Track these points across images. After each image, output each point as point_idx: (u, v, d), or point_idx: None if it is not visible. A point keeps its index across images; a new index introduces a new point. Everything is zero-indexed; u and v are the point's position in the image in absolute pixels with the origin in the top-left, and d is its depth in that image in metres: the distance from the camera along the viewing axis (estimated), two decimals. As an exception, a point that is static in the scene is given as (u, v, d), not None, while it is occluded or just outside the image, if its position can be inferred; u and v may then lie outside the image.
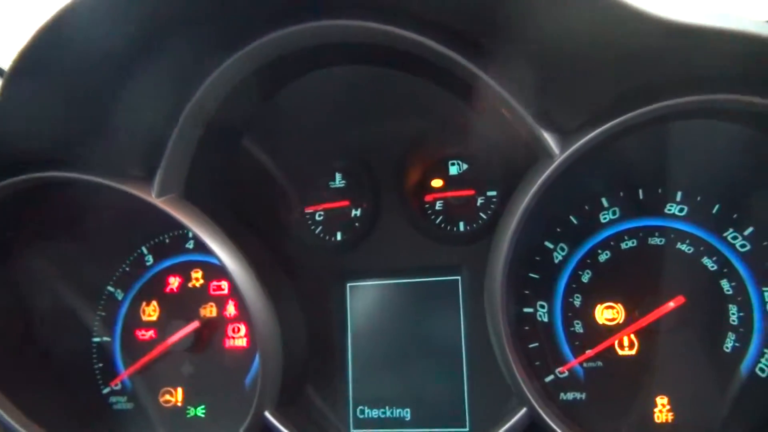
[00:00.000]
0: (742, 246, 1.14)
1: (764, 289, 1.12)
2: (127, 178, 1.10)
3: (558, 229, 1.22)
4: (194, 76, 1.03)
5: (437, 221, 1.31)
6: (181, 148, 1.09)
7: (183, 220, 1.10)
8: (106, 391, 1.40)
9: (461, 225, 1.29)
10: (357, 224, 1.35)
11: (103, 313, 1.43)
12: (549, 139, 0.96)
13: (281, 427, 1.14)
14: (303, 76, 1.18)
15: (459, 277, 1.31)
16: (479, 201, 1.29)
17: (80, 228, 1.36)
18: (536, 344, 1.20)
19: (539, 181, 0.96)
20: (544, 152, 0.97)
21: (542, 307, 1.22)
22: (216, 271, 1.38)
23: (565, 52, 0.90)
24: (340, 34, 1.02)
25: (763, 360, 1.10)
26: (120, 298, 1.44)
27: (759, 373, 1.10)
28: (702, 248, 1.15)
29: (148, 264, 1.43)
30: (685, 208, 1.17)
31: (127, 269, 1.45)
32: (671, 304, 1.10)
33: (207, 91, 1.04)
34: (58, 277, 1.38)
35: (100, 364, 1.41)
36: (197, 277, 1.40)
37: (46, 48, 0.89)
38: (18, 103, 0.96)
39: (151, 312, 1.41)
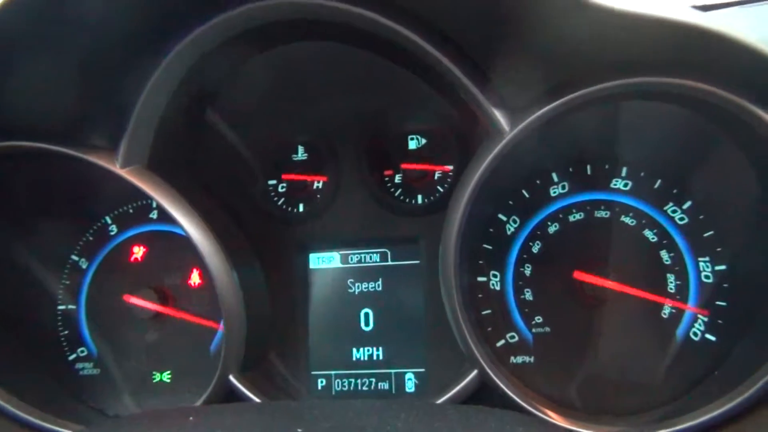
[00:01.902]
0: (681, 219, 1.21)
1: (700, 259, 1.20)
2: (92, 149, 1.12)
3: (510, 202, 1.29)
4: (159, 47, 1.05)
5: (396, 194, 1.36)
6: (145, 118, 1.11)
7: (147, 190, 1.12)
8: (72, 357, 1.42)
9: (419, 198, 1.34)
10: (319, 196, 1.39)
11: (68, 282, 1.45)
12: (499, 116, 1.01)
13: (245, 391, 1.19)
14: (266, 52, 1.20)
15: (417, 248, 1.36)
16: (437, 175, 1.34)
17: (43, 197, 1.37)
18: (489, 311, 1.27)
19: (490, 156, 1.01)
20: (494, 129, 1.02)
21: (495, 276, 1.28)
22: (180, 240, 1.39)
23: (515, 37, 0.95)
24: (302, 10, 1.05)
25: (696, 325, 1.18)
26: (84, 267, 1.46)
27: (693, 336, 1.18)
28: (644, 221, 1.23)
29: (112, 233, 1.46)
30: (630, 183, 1.24)
31: (91, 238, 1.46)
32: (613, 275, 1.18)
33: (172, 62, 1.07)
34: (22, 246, 1.39)
35: (66, 332, 1.43)
36: (161, 246, 1.43)
37: (11, 16, 0.90)
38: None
39: (115, 280, 1.43)
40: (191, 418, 0.83)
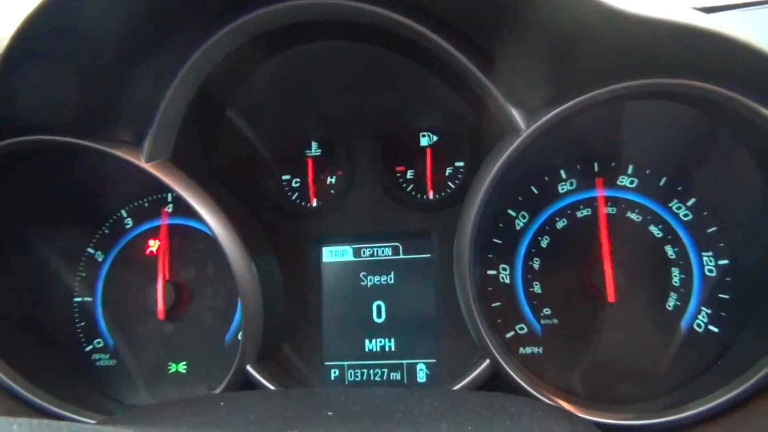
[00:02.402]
0: (685, 215, 1.25)
1: (703, 253, 1.24)
2: (117, 143, 1.14)
3: (520, 198, 1.32)
4: (185, 48, 1.08)
5: (408, 189, 1.39)
6: (170, 115, 1.14)
7: (171, 183, 1.15)
8: (88, 348, 1.45)
9: (431, 193, 1.38)
10: (332, 191, 1.42)
11: (84, 274, 1.48)
12: (516, 114, 1.04)
13: (261, 380, 1.22)
14: (284, 51, 1.23)
15: (429, 242, 1.39)
16: (448, 171, 1.38)
17: (61, 191, 1.40)
18: (498, 303, 1.31)
19: (506, 154, 1.05)
20: (511, 127, 1.05)
21: (504, 269, 1.32)
22: (195, 234, 1.43)
23: (528, 37, 0.98)
24: (319, 11, 1.08)
25: (700, 317, 1.22)
26: (100, 259, 1.48)
27: (696, 328, 1.22)
28: (649, 217, 1.27)
29: (127, 227, 1.48)
30: (636, 180, 1.28)
31: (107, 232, 1.49)
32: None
33: (197, 62, 1.09)
34: (39, 239, 1.41)
35: (82, 324, 1.46)
36: (176, 239, 1.45)
37: (41, 24, 0.93)
38: (11, 72, 0.99)
39: (131, 273, 1.46)
40: (222, 403, 0.87)
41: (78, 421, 1.21)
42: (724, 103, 0.97)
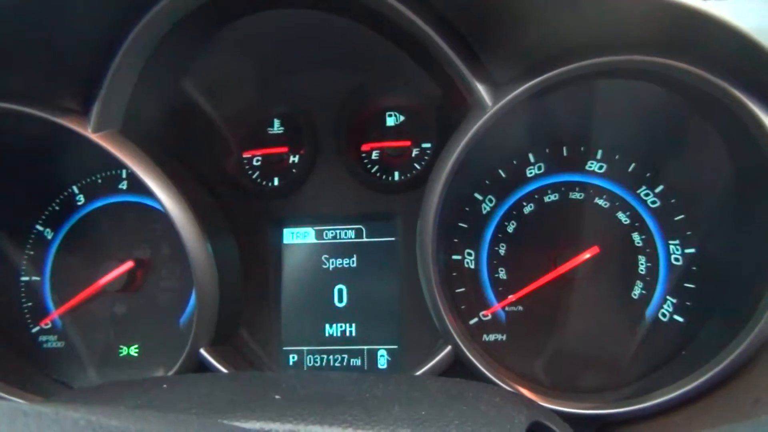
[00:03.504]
0: (653, 202, 1.23)
1: (670, 242, 1.22)
2: (63, 112, 1.08)
3: (487, 182, 1.29)
4: (136, 8, 1.01)
5: (373, 170, 1.35)
6: (119, 83, 1.07)
7: (120, 156, 1.09)
8: (35, 330, 1.38)
9: (396, 174, 1.34)
10: (294, 170, 1.37)
11: (32, 252, 1.41)
12: (482, 90, 1.01)
13: (216, 364, 1.17)
14: (243, 18, 1.17)
15: (393, 225, 1.35)
16: (414, 152, 1.33)
17: (6, 163, 1.32)
18: (463, 289, 1.27)
19: (472, 131, 1.01)
20: (477, 103, 1.02)
21: (470, 254, 1.28)
22: (150, 212, 1.37)
23: (501, 12, 0.95)
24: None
25: (665, 306, 1.21)
26: (49, 237, 1.41)
27: (661, 317, 1.21)
28: (617, 203, 1.24)
29: (79, 203, 1.41)
30: (604, 166, 1.25)
31: (57, 208, 1.42)
32: (587, 255, 1.19)
33: (148, 25, 1.03)
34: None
35: (29, 304, 1.39)
36: (131, 218, 1.39)
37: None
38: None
39: (82, 252, 1.39)
40: (165, 386, 0.82)
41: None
42: (701, 86, 0.95)
